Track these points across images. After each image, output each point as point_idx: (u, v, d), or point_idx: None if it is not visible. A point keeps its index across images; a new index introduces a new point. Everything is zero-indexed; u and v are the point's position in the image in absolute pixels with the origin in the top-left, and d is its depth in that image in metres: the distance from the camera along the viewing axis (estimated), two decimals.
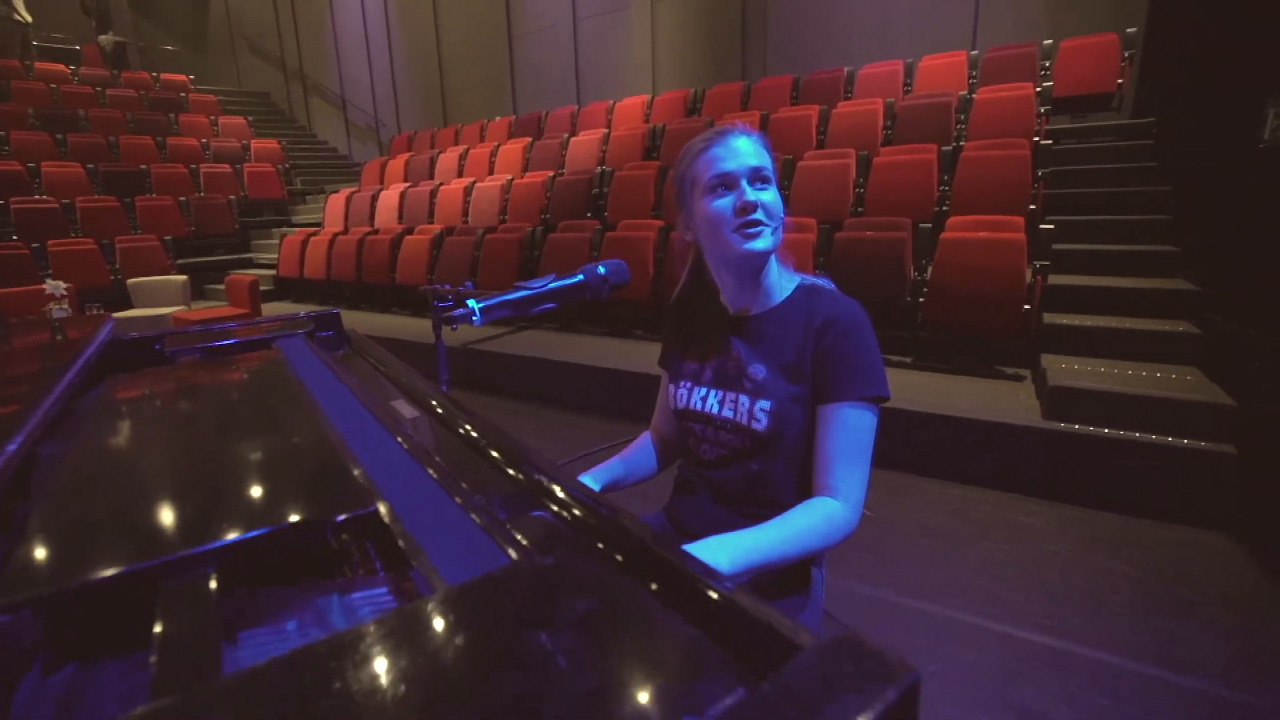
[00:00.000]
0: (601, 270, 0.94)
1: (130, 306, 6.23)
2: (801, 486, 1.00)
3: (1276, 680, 1.70)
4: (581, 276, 0.93)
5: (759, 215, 0.95)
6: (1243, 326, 2.67)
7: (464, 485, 0.66)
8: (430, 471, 0.67)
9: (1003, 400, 2.97)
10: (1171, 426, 2.52)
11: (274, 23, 11.95)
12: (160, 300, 6.30)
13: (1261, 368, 2.40)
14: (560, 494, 0.62)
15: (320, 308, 6.41)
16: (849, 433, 0.93)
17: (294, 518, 0.58)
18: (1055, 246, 3.47)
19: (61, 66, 10.02)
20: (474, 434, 0.81)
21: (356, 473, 0.68)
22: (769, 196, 0.96)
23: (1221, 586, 2.08)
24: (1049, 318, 3.34)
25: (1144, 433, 2.54)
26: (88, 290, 6.08)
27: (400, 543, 0.54)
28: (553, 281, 0.90)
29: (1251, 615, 1.95)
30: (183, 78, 11.04)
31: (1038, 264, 3.28)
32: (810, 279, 1.05)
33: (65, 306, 4.90)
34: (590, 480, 1.12)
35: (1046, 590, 2.08)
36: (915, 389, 3.10)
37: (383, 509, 0.60)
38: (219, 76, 12.49)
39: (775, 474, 1.01)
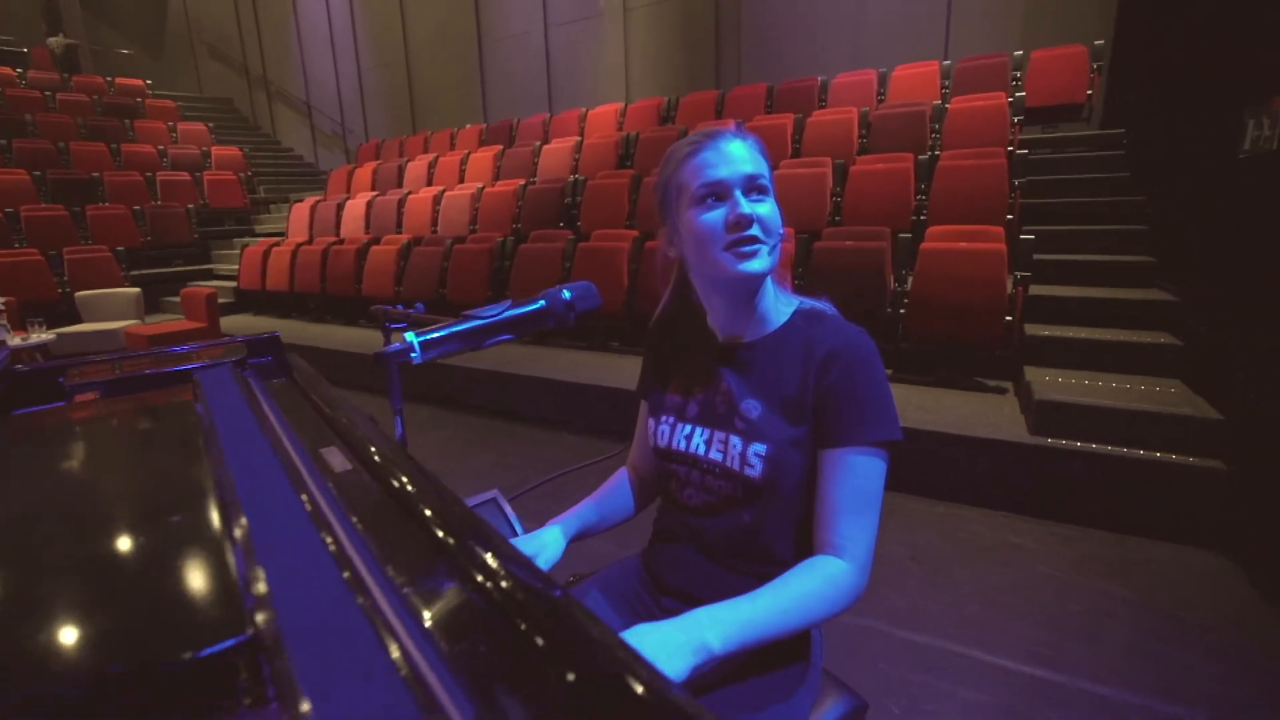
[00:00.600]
0: (566, 295, 0.80)
1: (79, 320, 5.91)
2: (800, 539, 0.88)
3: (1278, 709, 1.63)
4: (543, 303, 0.79)
5: (755, 231, 0.83)
6: (1224, 337, 2.63)
7: (386, 577, 0.53)
8: (343, 571, 0.53)
9: (987, 414, 2.90)
10: (1159, 441, 2.47)
11: (235, 26, 11.62)
12: (111, 314, 5.99)
13: (1245, 379, 2.36)
14: (503, 581, 0.49)
15: (275, 322, 6.17)
16: (856, 482, 0.81)
17: (122, 661, 0.44)
18: (1035, 257, 3.44)
19: (7, 69, 9.58)
20: (408, 491, 0.68)
21: (238, 574, 0.53)
22: (766, 209, 0.84)
23: (1218, 608, 2.01)
24: (1030, 329, 3.30)
25: (1132, 448, 2.48)
26: (33, 304, 5.74)
27: (271, 690, 0.40)
28: (508, 310, 0.76)
29: (1249, 639, 1.88)
30: (139, 82, 10.66)
31: (1018, 274, 3.23)
32: (810, 302, 0.93)
33: (3, 322, 4.60)
34: (560, 530, 0.98)
35: (1042, 617, 1.99)
36: (898, 403, 3.00)
37: (264, 629, 0.45)
38: (178, 82, 12.09)
39: (769, 526, 0.88)
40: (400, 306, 1.12)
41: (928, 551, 2.36)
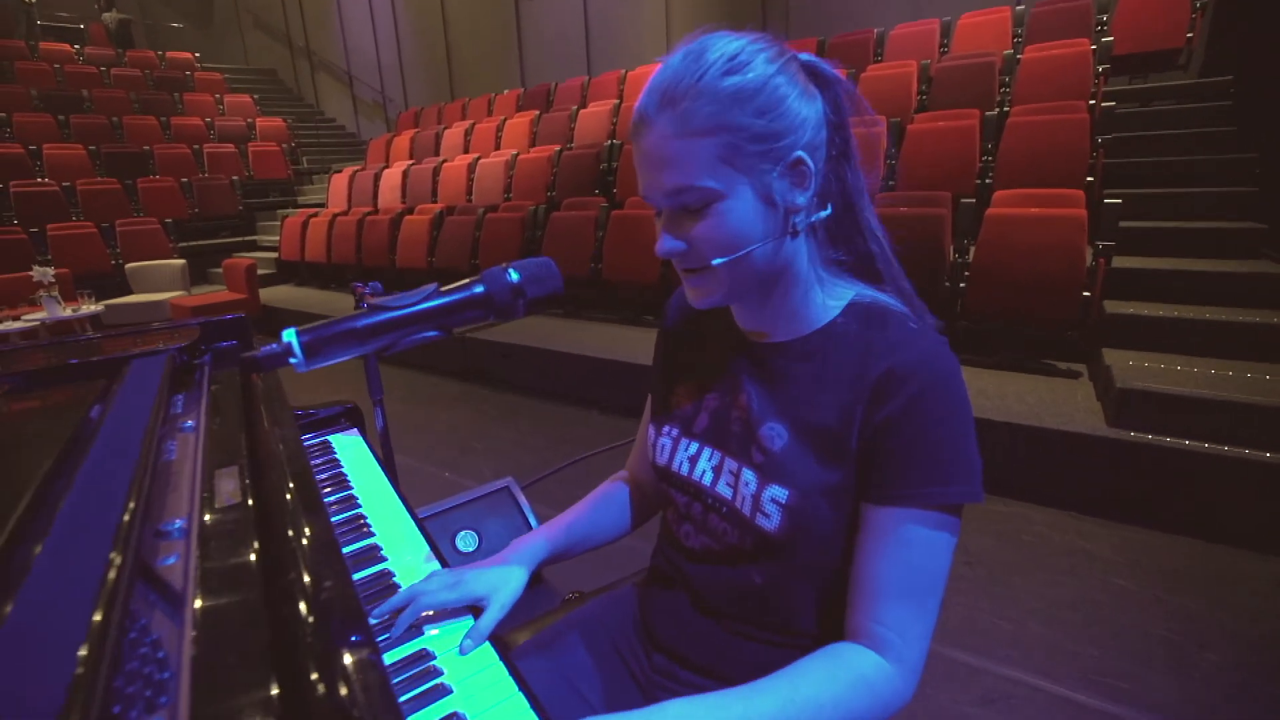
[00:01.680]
0: (513, 276, 0.60)
1: (129, 292, 6.06)
2: (830, 610, 0.66)
3: None
4: (480, 288, 0.60)
5: (687, 264, 0.62)
6: None
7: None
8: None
9: (1058, 402, 2.59)
10: (1260, 438, 2.13)
11: None
12: (159, 285, 6.12)
13: None
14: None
15: (313, 293, 6.16)
16: (912, 556, 0.59)
17: None
18: (1120, 224, 3.04)
19: (66, 46, 9.83)
20: (284, 550, 0.50)
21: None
22: (702, 229, 0.59)
23: None
24: (1111, 306, 2.93)
25: (1229, 445, 2.15)
26: (88, 276, 5.91)
27: None
28: (427, 300, 0.56)
29: None
30: (188, 55, 10.81)
31: (1099, 244, 2.86)
32: (870, 293, 0.67)
33: (54, 294, 4.71)
34: (523, 562, 0.80)
35: (1119, 641, 1.73)
36: None
37: None
38: (225, 53, 12.22)
39: (787, 592, 0.67)
40: (356, 284, 0.95)
41: (985, 556, 2.11)
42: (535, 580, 1.66)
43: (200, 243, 7.45)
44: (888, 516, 0.59)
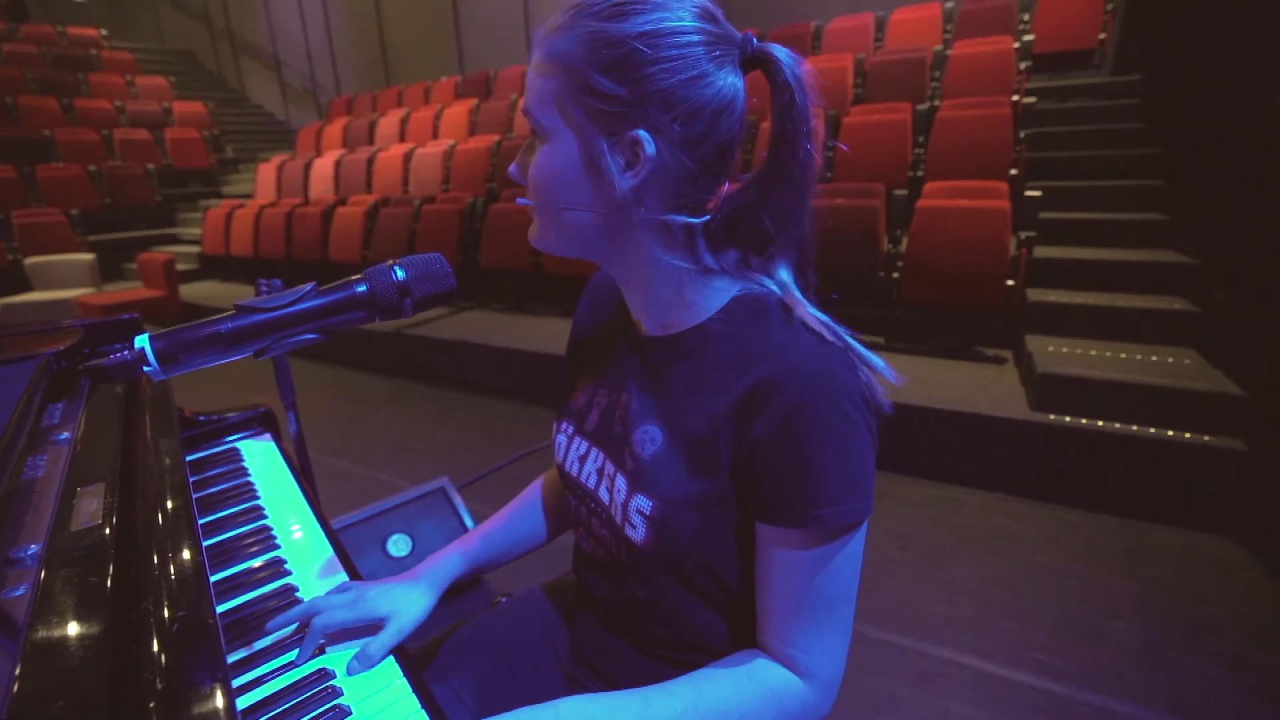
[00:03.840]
0: (399, 274, 0.55)
1: (30, 289, 5.60)
2: (740, 626, 0.63)
3: None
4: (363, 287, 0.55)
5: (526, 197, 0.59)
6: (1245, 304, 2.41)
7: None
8: None
9: (985, 387, 2.68)
10: (1172, 418, 2.26)
11: None
12: (64, 282, 5.67)
13: (1269, 350, 2.14)
14: None
15: (242, 289, 5.83)
16: (811, 575, 0.54)
17: None
18: (1040, 216, 3.18)
19: None
20: (141, 576, 0.45)
21: None
22: (533, 165, 0.56)
23: (1231, 605, 1.83)
24: (1034, 294, 3.06)
25: (1141, 425, 2.28)
26: None
27: None
28: (302, 300, 0.51)
29: (1266, 642, 1.71)
30: (94, 32, 10.03)
31: (1022, 234, 2.98)
32: (756, 288, 0.59)
33: None
34: (427, 582, 0.72)
35: (1043, 616, 1.81)
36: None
37: None
38: (135, 32, 11.40)
39: (672, 606, 0.63)
40: (260, 281, 0.88)
41: (918, 540, 2.17)
42: (473, 583, 1.60)
43: (113, 235, 6.93)
44: (778, 537, 0.55)
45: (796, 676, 0.56)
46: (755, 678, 0.56)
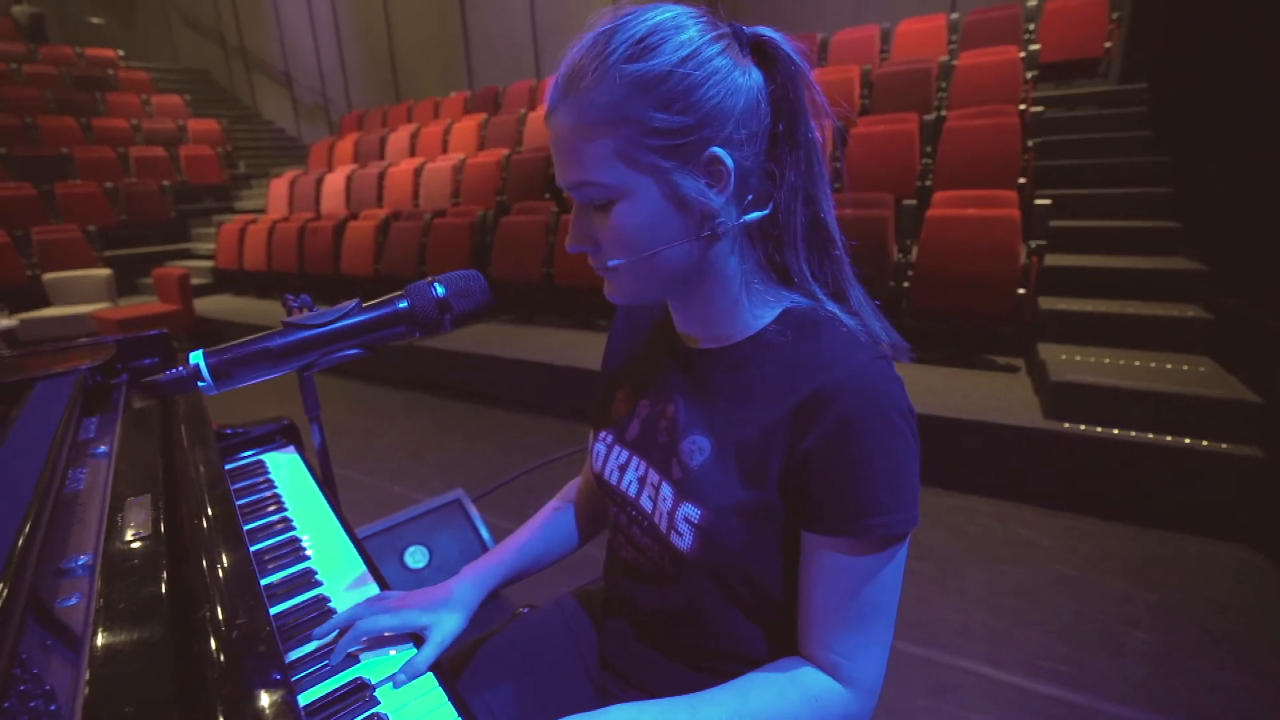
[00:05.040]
0: (439, 290, 0.57)
1: (48, 305, 5.69)
2: (779, 636, 0.64)
3: None
4: (404, 303, 0.57)
5: (593, 261, 0.59)
6: (1258, 310, 2.40)
7: None
8: None
9: (998, 396, 2.68)
10: (1186, 426, 2.25)
11: None
12: (82, 297, 5.76)
13: None
14: None
15: (254, 303, 5.90)
16: (857, 583, 0.56)
17: None
18: (1051, 224, 3.18)
19: None
20: (195, 584, 0.46)
21: None
22: (609, 224, 0.55)
23: (1250, 614, 1.82)
24: (1045, 302, 3.06)
25: (1156, 433, 2.27)
26: (1, 288, 5.52)
27: None
28: (346, 317, 0.54)
29: None
30: (110, 53, 10.22)
31: (1032, 243, 2.98)
32: (805, 302, 0.61)
33: None
34: (496, 565, 0.77)
35: (1060, 626, 1.80)
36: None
37: None
38: (151, 52, 11.62)
39: (710, 616, 0.64)
40: (288, 297, 0.90)
41: (934, 550, 2.17)
42: (491, 597, 1.62)
43: (129, 251, 7.05)
44: (826, 545, 0.56)
45: (839, 684, 0.57)
46: (799, 684, 0.57)
